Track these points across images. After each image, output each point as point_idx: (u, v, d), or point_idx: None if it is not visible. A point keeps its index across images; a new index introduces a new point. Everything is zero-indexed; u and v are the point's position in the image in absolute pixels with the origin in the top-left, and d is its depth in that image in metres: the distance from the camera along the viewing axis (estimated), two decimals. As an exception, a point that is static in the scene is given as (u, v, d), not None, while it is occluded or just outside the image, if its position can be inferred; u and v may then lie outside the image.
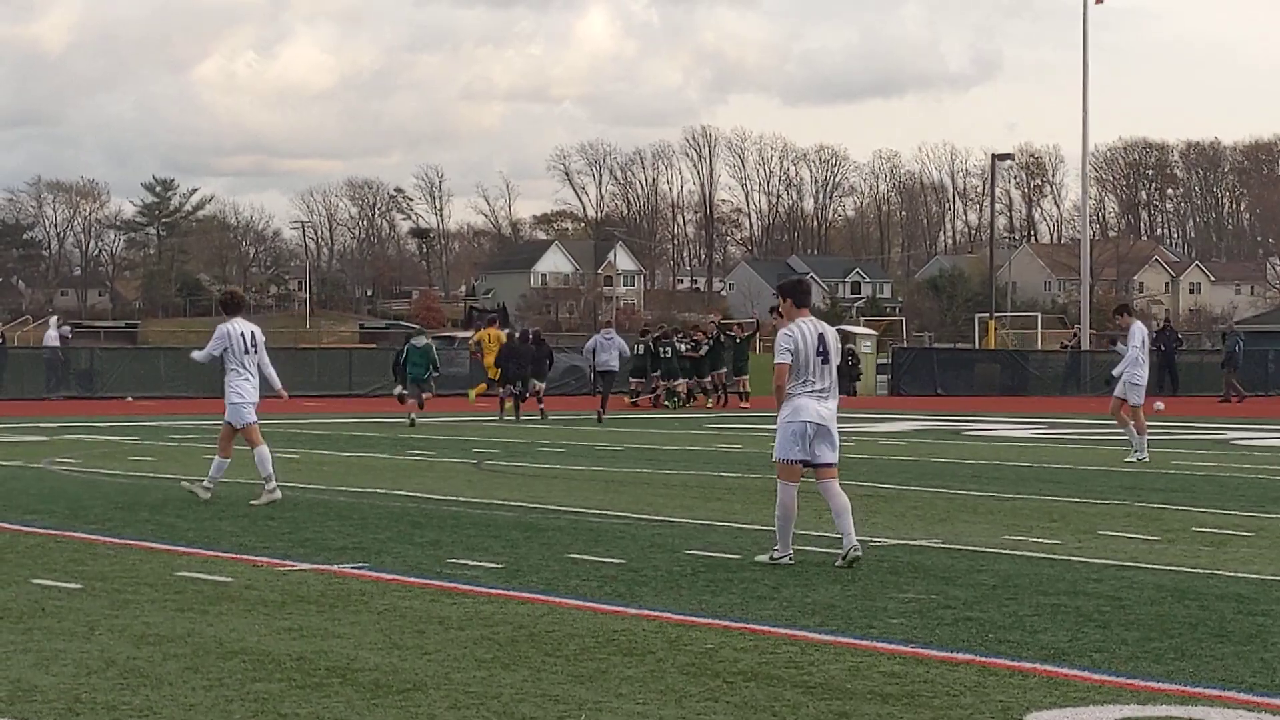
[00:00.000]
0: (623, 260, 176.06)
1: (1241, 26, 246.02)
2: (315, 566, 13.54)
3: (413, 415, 36.66)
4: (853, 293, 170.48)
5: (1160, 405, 45.56)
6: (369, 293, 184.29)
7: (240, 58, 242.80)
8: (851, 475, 22.54)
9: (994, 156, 77.25)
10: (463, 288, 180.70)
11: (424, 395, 37.85)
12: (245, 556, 14.13)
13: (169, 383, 50.99)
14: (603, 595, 12.16)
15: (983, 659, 9.90)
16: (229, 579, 12.83)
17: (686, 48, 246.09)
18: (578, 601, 11.86)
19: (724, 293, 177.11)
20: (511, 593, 12.24)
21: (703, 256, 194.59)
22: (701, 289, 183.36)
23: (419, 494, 19.66)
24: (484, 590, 12.33)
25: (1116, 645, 10.35)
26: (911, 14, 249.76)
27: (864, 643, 10.40)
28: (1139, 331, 25.83)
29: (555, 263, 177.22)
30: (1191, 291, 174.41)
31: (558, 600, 11.91)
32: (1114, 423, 26.56)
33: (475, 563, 13.77)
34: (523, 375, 40.29)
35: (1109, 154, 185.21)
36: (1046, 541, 15.41)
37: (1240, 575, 13.31)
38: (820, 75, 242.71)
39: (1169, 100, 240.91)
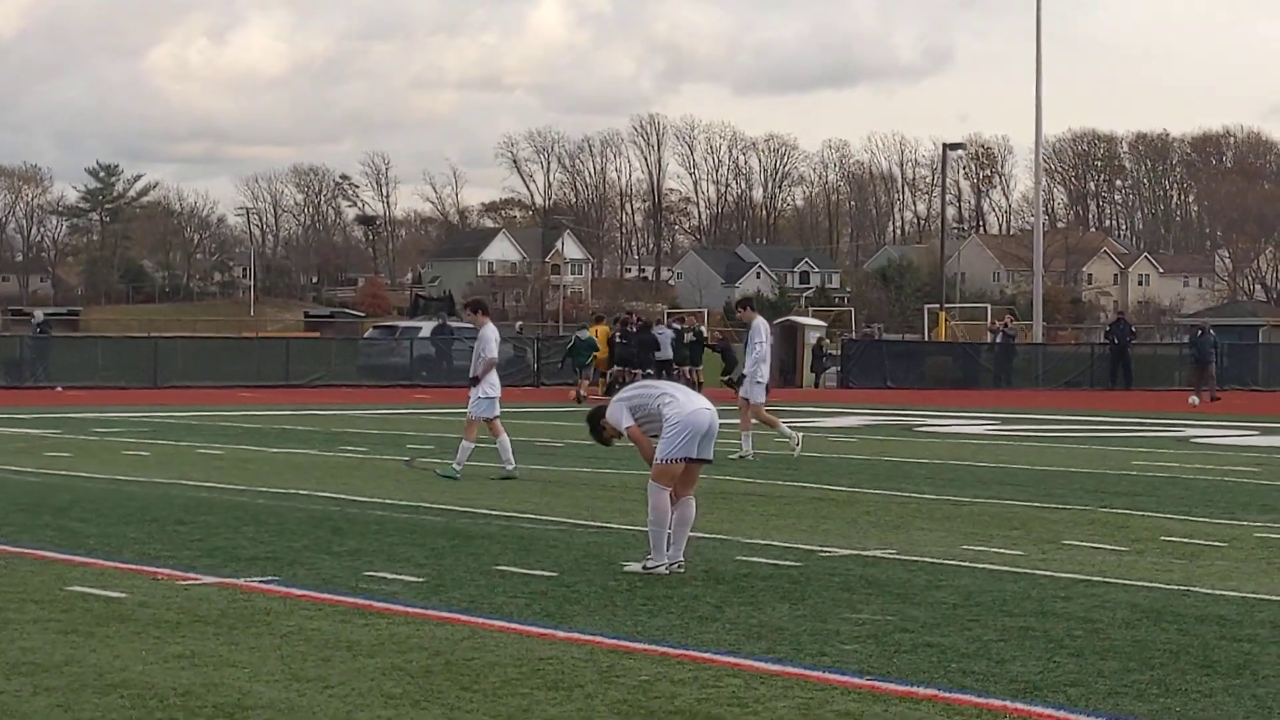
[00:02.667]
0: (570, 249, 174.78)
1: (1189, 19, 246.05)
2: (220, 580, 12.47)
3: (580, 394, 43.65)
4: (801, 282, 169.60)
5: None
6: (314, 280, 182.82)
7: (193, 44, 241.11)
8: (800, 476, 21.68)
9: (945, 146, 76.45)
10: (409, 275, 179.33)
11: (584, 382, 44.09)
12: (146, 568, 13.05)
13: (104, 372, 49.74)
14: (531, 615, 11.15)
15: (947, 695, 8.94)
16: (123, 594, 11.76)
17: (639, 37, 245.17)
18: (503, 623, 10.85)
19: (672, 281, 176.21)
20: (431, 612, 11.21)
21: (651, 245, 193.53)
22: (649, 278, 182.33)
23: (344, 495, 18.59)
24: (401, 609, 11.30)
25: (1093, 678, 9.39)
26: (864, 5, 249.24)
27: (815, 674, 9.42)
28: (762, 328, 25.05)
29: (502, 250, 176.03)
30: (1140, 283, 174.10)
31: (481, 621, 10.89)
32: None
33: (395, 575, 12.73)
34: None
35: (1058, 145, 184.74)
36: (1008, 552, 14.45)
37: (1219, 593, 12.36)
38: (772, 66, 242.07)
39: (1118, 92, 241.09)
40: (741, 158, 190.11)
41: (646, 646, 10.13)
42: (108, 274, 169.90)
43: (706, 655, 9.89)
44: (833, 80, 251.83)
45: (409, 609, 11.30)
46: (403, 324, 60.37)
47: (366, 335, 62.09)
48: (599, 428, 13.60)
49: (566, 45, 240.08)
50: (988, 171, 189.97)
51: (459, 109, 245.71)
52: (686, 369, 48.83)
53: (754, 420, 24.90)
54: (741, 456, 24.23)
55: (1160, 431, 32.81)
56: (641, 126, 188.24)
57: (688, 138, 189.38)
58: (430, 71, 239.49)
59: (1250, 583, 12.86)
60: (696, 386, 48.80)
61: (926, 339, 75.38)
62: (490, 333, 21.37)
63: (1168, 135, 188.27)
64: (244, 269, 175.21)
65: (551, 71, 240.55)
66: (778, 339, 58.77)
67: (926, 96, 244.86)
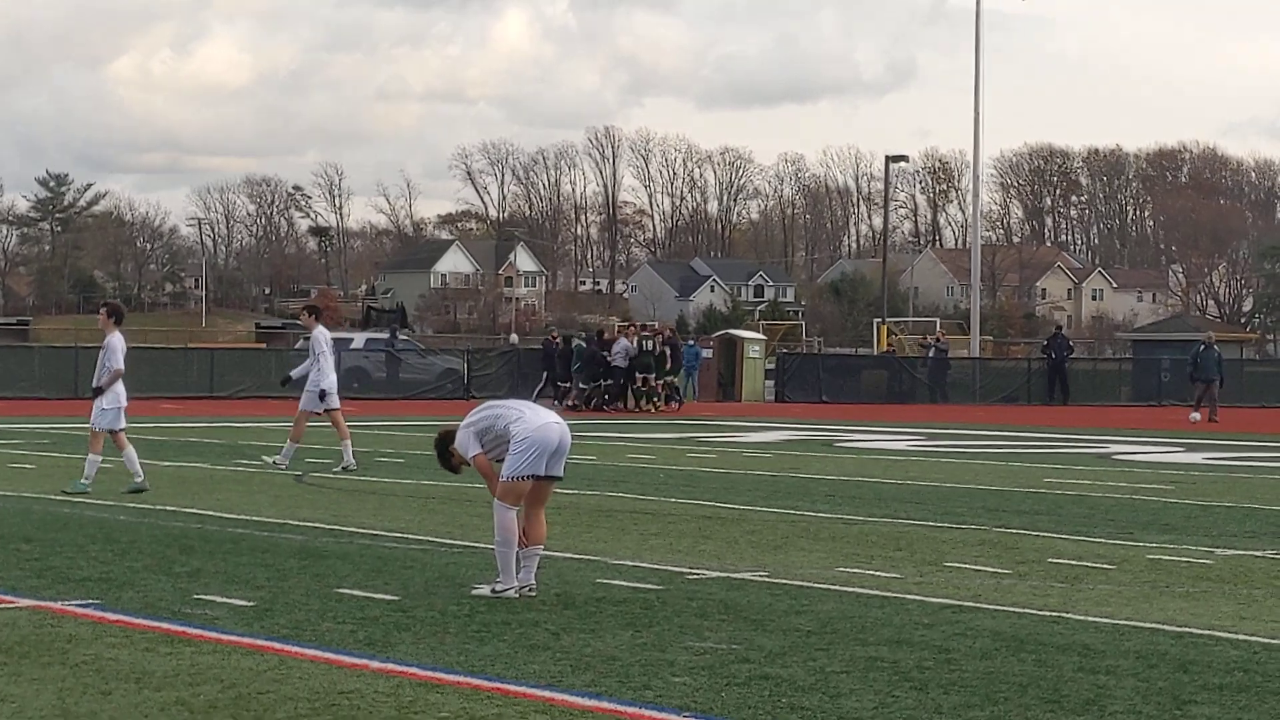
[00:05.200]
0: (524, 261, 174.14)
1: (1147, 36, 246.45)
2: (35, 604, 11.76)
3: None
4: (756, 296, 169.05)
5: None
6: (267, 291, 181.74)
7: (156, 55, 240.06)
8: (697, 493, 20.99)
9: (888, 158, 76.12)
10: (362, 287, 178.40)
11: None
12: (-35, 590, 12.33)
13: (21, 383, 48.94)
14: (352, 644, 10.46)
15: (764, 734, 8.31)
16: (-74, 620, 11.05)
17: (603, 51, 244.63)
18: (317, 652, 10.16)
19: (626, 295, 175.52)
20: (245, 640, 10.52)
21: (605, 258, 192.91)
22: (603, 290, 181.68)
23: (213, 511, 17.86)
24: (214, 636, 10.61)
25: (929, 714, 8.77)
26: (828, 21, 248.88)
27: (631, 710, 8.78)
28: (321, 337, 24.42)
29: (455, 263, 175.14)
30: (1094, 298, 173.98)
31: (295, 650, 10.20)
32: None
33: (225, 599, 12.03)
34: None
35: (1014, 160, 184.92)
36: (884, 575, 13.80)
37: (1091, 619, 11.74)
38: (736, 80, 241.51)
39: (1076, 107, 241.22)
40: (697, 170, 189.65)
41: (460, 679, 9.46)
42: (58, 284, 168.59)
43: (521, 689, 9.24)
44: (795, 95, 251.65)
45: (223, 636, 10.62)
46: (333, 335, 59.52)
47: (296, 346, 61.28)
48: (447, 454, 12.91)
49: (531, 58, 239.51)
50: (944, 186, 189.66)
51: (422, 121, 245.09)
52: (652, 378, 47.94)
53: (326, 428, 24.26)
54: (345, 468, 23.69)
55: (1085, 448, 32.19)
56: (596, 139, 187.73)
57: (643, 150, 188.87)
58: (394, 83, 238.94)
59: (1128, 608, 12.25)
60: (668, 397, 48.10)
61: (876, 353, 74.91)
62: (117, 342, 20.42)
63: (1123, 151, 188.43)
64: (196, 280, 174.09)
65: (515, 84, 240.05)
66: (717, 352, 58.25)
67: (890, 112, 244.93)
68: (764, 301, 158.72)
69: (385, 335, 59.22)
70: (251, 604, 11.87)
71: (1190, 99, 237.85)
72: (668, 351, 48.46)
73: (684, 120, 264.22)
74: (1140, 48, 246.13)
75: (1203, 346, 46.79)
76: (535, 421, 12.51)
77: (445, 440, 12.94)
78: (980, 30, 64.17)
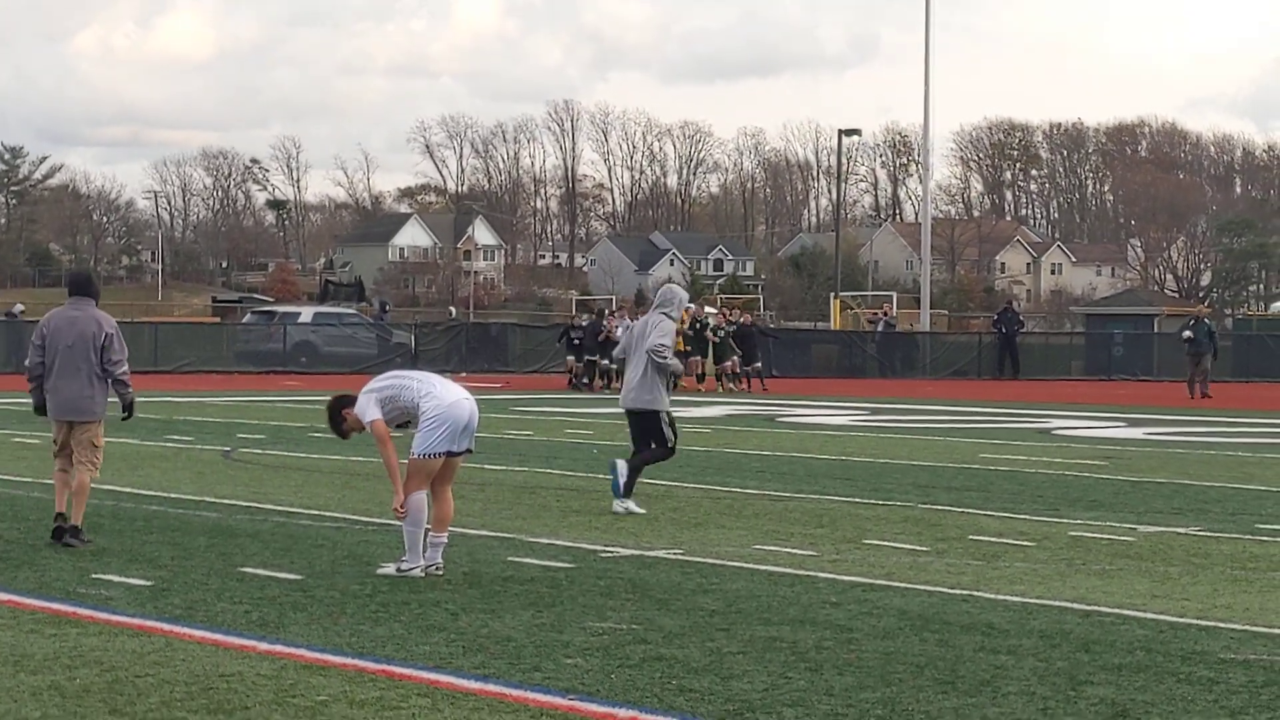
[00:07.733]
0: (483, 234, 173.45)
1: (1108, 10, 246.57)
2: (-74, 584, 11.55)
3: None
4: (715, 270, 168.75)
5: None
6: (224, 264, 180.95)
7: (119, 29, 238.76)
8: (626, 469, 20.75)
9: (841, 132, 75.89)
10: (320, 260, 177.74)
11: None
12: None
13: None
14: (244, 625, 10.27)
15: (647, 716, 8.14)
16: None
17: (568, 26, 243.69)
18: (206, 633, 9.97)
19: (585, 268, 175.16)
20: (134, 621, 10.32)
21: (565, 232, 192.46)
22: (563, 264, 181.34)
23: (131, 489, 17.62)
24: (103, 617, 10.40)
25: (819, 696, 8.59)
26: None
27: (514, 693, 8.60)
28: None
29: (414, 236, 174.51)
30: (1053, 272, 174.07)
31: (183, 631, 10.00)
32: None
33: (123, 579, 11.82)
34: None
35: (974, 134, 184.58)
36: (800, 553, 13.63)
37: (1001, 598, 11.60)
38: (699, 55, 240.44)
39: (1037, 81, 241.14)
40: (656, 144, 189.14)
41: (345, 661, 9.27)
42: (13, 257, 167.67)
43: (407, 671, 9.05)
44: (757, 69, 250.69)
45: (112, 617, 10.43)
46: (281, 309, 59.42)
47: (244, 320, 61.01)
48: (339, 418, 12.69)
49: (495, 33, 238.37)
50: (904, 160, 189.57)
51: (386, 96, 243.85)
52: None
53: None
54: None
55: (1026, 423, 32.02)
56: (556, 112, 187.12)
57: (602, 124, 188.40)
58: (358, 58, 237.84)
59: (1040, 586, 12.10)
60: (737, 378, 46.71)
61: (834, 327, 74.77)
62: None
63: (1083, 125, 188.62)
64: (152, 253, 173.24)
65: (479, 59, 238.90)
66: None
67: (850, 86, 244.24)
68: (724, 275, 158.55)
69: (349, 310, 58.88)
70: (149, 583, 11.68)
71: (1151, 74, 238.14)
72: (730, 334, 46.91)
73: (645, 94, 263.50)
74: (1101, 22, 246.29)
75: (1193, 321, 44.99)
76: (446, 398, 12.33)
77: (340, 403, 12.71)
78: (930, 4, 63.94)
